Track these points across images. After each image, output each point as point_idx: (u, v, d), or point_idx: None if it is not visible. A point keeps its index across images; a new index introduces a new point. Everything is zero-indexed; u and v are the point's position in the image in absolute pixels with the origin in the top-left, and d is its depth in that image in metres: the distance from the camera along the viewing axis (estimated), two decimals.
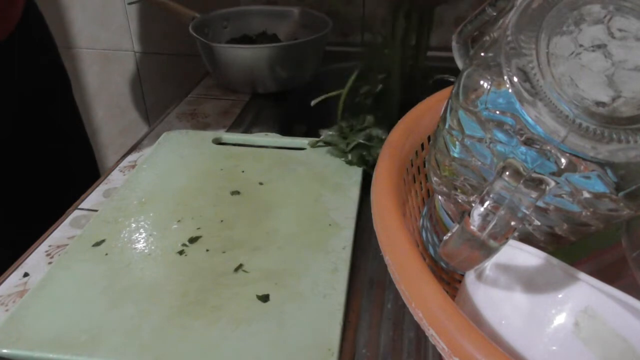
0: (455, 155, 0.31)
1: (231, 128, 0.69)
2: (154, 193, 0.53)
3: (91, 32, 1.12)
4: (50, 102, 0.71)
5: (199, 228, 0.48)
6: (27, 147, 0.67)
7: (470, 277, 0.30)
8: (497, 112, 0.27)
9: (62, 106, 0.75)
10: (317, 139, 0.60)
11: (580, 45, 0.24)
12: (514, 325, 0.26)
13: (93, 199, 0.54)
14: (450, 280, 0.40)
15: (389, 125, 0.45)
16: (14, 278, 0.44)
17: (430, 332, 0.25)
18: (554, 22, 0.25)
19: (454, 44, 0.34)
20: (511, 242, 0.26)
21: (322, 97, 0.62)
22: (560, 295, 0.26)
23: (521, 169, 0.25)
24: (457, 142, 0.31)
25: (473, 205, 0.25)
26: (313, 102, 0.62)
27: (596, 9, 0.25)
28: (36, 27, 0.70)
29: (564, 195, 0.27)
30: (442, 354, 0.25)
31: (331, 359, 0.36)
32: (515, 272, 0.28)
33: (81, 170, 0.77)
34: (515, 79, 0.25)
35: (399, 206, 0.32)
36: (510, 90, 0.25)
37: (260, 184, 0.55)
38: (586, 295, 0.25)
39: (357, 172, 0.56)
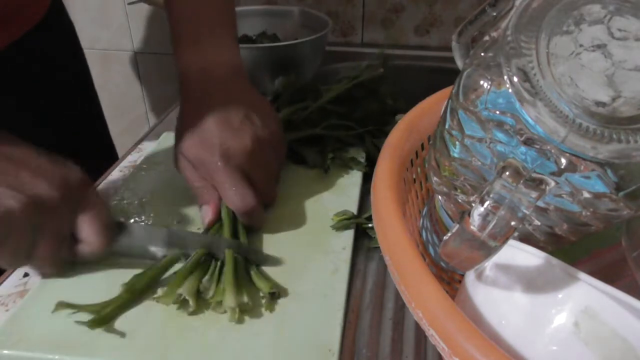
0: (455, 155, 0.31)
1: None
2: (154, 193, 0.53)
3: (91, 32, 1.12)
4: (71, 101, 0.71)
5: (198, 228, 0.48)
6: (38, 143, 0.67)
7: (470, 277, 0.30)
8: (497, 112, 0.27)
9: (83, 105, 0.75)
10: None
11: (580, 45, 0.24)
12: (514, 325, 0.26)
13: None
14: (450, 280, 0.40)
15: None
16: (14, 278, 0.44)
17: (430, 332, 0.25)
18: (554, 22, 0.25)
19: (454, 44, 0.34)
20: (511, 242, 0.26)
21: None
22: (560, 295, 0.26)
23: (521, 169, 0.25)
24: (457, 142, 0.31)
25: (473, 205, 0.25)
26: None
27: (596, 9, 0.25)
28: (61, 22, 0.70)
29: (564, 195, 0.27)
30: (442, 354, 0.25)
31: (332, 359, 0.36)
32: (515, 272, 0.28)
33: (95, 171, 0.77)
34: (515, 79, 0.25)
35: (399, 206, 0.32)
36: (510, 90, 0.25)
37: None
38: (586, 295, 0.25)
39: (357, 172, 0.56)
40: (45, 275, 0.42)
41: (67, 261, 0.42)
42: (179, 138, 0.50)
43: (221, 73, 0.52)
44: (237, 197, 0.45)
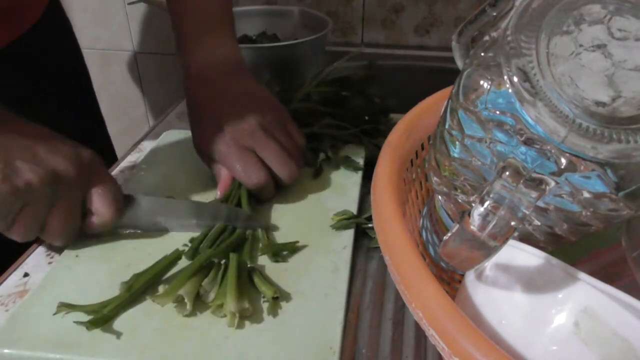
0: (455, 155, 0.31)
1: None
2: (154, 193, 0.53)
3: (91, 32, 1.12)
4: (70, 100, 0.71)
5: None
6: None
7: (470, 277, 0.30)
8: (497, 112, 0.27)
9: (81, 102, 0.76)
10: None
11: (580, 45, 0.24)
12: (514, 325, 0.26)
13: None
14: (450, 280, 0.40)
15: None
16: (14, 278, 0.44)
17: (430, 332, 0.25)
18: (554, 22, 0.25)
19: (454, 44, 0.34)
20: (511, 242, 0.26)
21: None
22: (560, 295, 0.26)
23: (521, 169, 0.25)
24: (457, 142, 0.31)
25: (473, 205, 0.25)
26: None
27: (596, 9, 0.25)
28: (59, 21, 0.70)
29: (564, 195, 0.27)
30: (442, 354, 0.25)
31: (333, 357, 0.36)
32: (515, 272, 0.28)
33: None
34: (515, 79, 0.25)
35: (399, 206, 0.32)
36: (510, 90, 0.25)
37: None
38: (586, 295, 0.25)
39: (357, 172, 0.56)
40: (55, 247, 0.45)
41: (77, 233, 0.45)
42: (194, 138, 0.54)
43: (221, 65, 0.55)
44: (243, 173, 0.49)
